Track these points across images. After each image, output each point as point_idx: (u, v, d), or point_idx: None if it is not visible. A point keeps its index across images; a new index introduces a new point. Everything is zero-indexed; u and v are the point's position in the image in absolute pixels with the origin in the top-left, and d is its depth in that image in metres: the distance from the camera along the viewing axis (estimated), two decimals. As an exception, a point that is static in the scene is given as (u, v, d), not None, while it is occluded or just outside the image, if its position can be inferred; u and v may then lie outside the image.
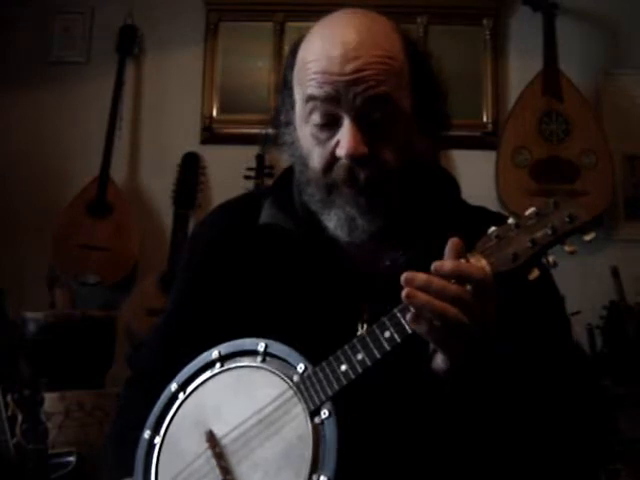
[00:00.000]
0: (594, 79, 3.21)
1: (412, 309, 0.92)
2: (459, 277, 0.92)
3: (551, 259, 0.93)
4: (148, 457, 1.08)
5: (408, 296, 0.91)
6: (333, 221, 1.10)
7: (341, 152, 1.06)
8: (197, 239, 1.30)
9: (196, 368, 1.08)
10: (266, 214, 1.19)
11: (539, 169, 3.04)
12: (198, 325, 1.17)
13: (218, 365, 1.07)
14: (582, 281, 2.95)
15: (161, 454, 1.07)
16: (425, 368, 0.98)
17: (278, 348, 1.02)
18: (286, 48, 3.23)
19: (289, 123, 1.15)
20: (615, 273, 2.86)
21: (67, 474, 2.10)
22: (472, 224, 1.05)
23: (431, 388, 0.99)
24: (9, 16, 3.29)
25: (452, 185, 1.23)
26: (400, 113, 1.08)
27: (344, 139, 1.06)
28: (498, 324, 0.94)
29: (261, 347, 1.04)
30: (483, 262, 0.92)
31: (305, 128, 1.11)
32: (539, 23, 3.15)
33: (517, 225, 0.93)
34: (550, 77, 3.10)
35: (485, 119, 3.20)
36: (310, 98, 1.08)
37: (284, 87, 1.17)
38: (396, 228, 1.11)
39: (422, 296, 0.91)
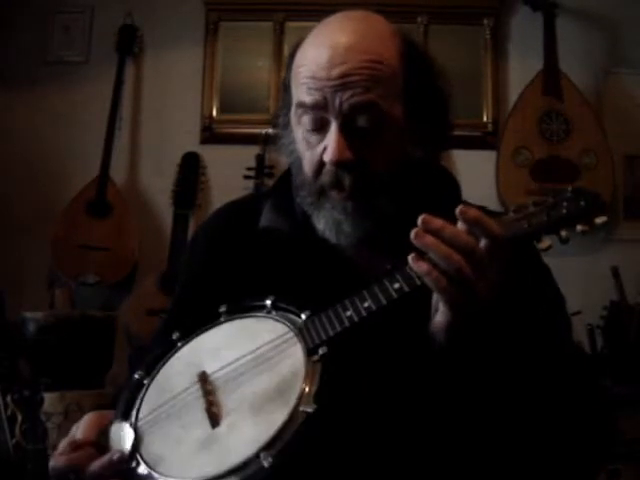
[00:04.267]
0: (594, 79, 3.21)
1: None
2: (480, 226, 0.93)
3: (564, 234, 0.97)
4: (134, 394, 1.05)
5: (416, 235, 0.93)
6: (322, 223, 1.12)
7: (326, 158, 1.07)
8: (197, 242, 1.31)
9: (200, 320, 1.09)
10: (265, 217, 1.20)
11: (539, 169, 3.04)
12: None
13: (223, 318, 1.08)
14: (582, 281, 2.95)
15: (148, 391, 1.05)
16: (425, 330, 0.99)
17: (286, 302, 1.04)
18: (286, 48, 3.24)
19: (287, 125, 1.16)
20: (615, 273, 2.86)
21: (67, 474, 2.09)
22: None
23: (428, 350, 0.99)
24: (9, 15, 3.29)
25: (453, 186, 1.23)
26: (389, 120, 1.08)
27: (330, 145, 1.06)
28: (506, 290, 0.95)
29: (269, 301, 1.05)
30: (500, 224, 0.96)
31: (299, 131, 1.12)
32: (539, 23, 3.15)
33: (535, 204, 0.98)
34: (550, 77, 3.10)
35: (485, 119, 3.20)
36: (300, 105, 1.09)
37: (284, 89, 1.18)
38: (394, 231, 1.11)
39: (430, 237, 0.92)
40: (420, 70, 1.12)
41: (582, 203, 0.96)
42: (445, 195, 1.19)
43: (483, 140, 3.19)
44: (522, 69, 3.20)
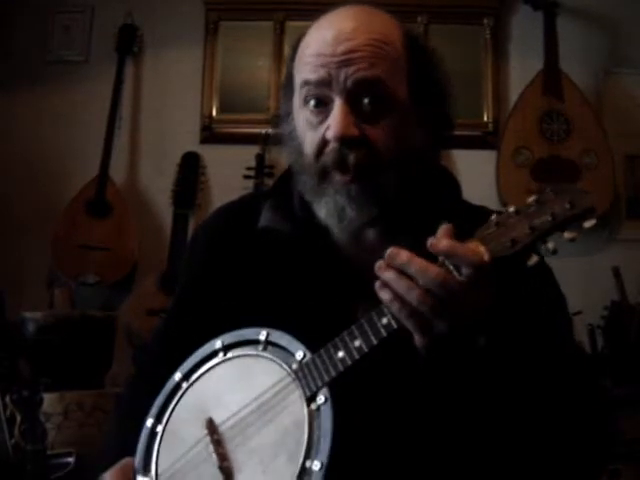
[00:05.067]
0: (595, 78, 3.21)
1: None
2: (453, 258, 0.91)
3: (550, 245, 0.91)
4: (149, 445, 1.10)
5: (379, 267, 0.92)
6: (324, 210, 1.10)
7: (330, 134, 1.06)
8: (197, 241, 1.30)
9: (199, 358, 1.10)
10: (265, 217, 1.19)
11: (540, 169, 3.04)
12: (198, 326, 1.17)
13: (221, 354, 1.08)
14: (583, 281, 2.94)
15: (162, 442, 1.09)
16: (417, 356, 0.97)
17: (279, 336, 1.04)
18: (286, 48, 3.24)
19: (288, 113, 1.15)
20: (616, 273, 2.85)
21: (66, 475, 2.09)
22: (472, 224, 1.05)
23: (422, 375, 0.98)
24: (9, 15, 3.29)
25: (452, 185, 1.22)
26: (394, 100, 1.07)
27: (333, 121, 1.05)
28: (496, 311, 0.93)
29: (262, 336, 1.05)
30: (482, 248, 0.91)
31: (301, 114, 1.11)
32: (540, 22, 3.15)
33: (517, 212, 0.92)
34: (551, 76, 3.10)
35: (486, 118, 3.20)
36: (305, 83, 1.08)
37: (286, 80, 1.17)
38: (394, 228, 1.11)
39: (389, 272, 0.91)
40: (422, 59, 1.12)
41: (567, 206, 0.89)
42: (445, 195, 1.18)
43: (483, 140, 3.18)
44: (522, 69, 3.19)
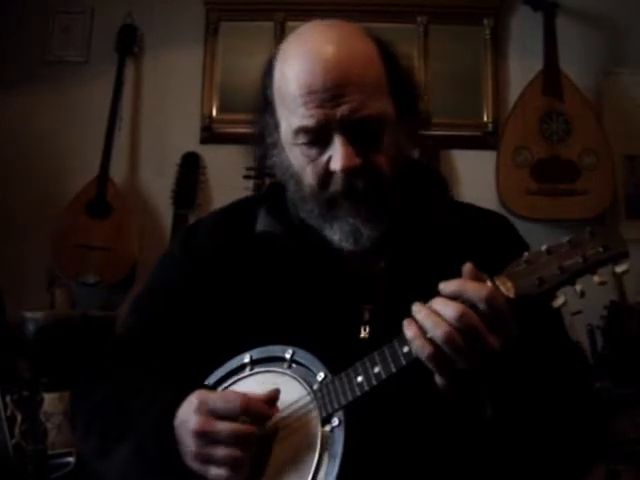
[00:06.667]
0: (595, 79, 3.21)
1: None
2: (464, 295, 0.91)
3: (579, 288, 0.92)
4: None
5: (415, 308, 0.93)
6: (337, 234, 1.11)
7: (336, 166, 1.07)
8: (189, 244, 1.27)
9: (228, 370, 1.11)
10: (262, 222, 1.19)
11: (540, 169, 3.04)
12: (198, 329, 1.16)
13: (248, 369, 1.09)
14: (583, 281, 2.94)
15: None
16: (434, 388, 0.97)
17: (303, 356, 1.05)
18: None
19: (276, 144, 1.16)
20: (616, 273, 2.85)
21: (66, 474, 2.09)
22: (461, 221, 1.08)
23: (438, 407, 0.99)
24: (9, 15, 3.29)
25: (440, 184, 1.24)
26: (385, 120, 1.09)
27: (337, 154, 1.06)
28: (516, 346, 0.93)
29: (288, 354, 1.06)
30: (509, 285, 0.92)
31: (295, 149, 1.12)
32: (539, 23, 3.15)
33: (549, 251, 0.93)
34: (550, 77, 3.10)
35: (485, 119, 3.19)
36: (302, 130, 1.08)
37: (265, 108, 1.17)
38: (388, 230, 1.12)
39: (422, 311, 0.92)
40: (398, 68, 1.14)
41: (600, 249, 0.90)
42: (433, 195, 1.20)
43: (483, 140, 3.18)
44: (522, 69, 3.19)
